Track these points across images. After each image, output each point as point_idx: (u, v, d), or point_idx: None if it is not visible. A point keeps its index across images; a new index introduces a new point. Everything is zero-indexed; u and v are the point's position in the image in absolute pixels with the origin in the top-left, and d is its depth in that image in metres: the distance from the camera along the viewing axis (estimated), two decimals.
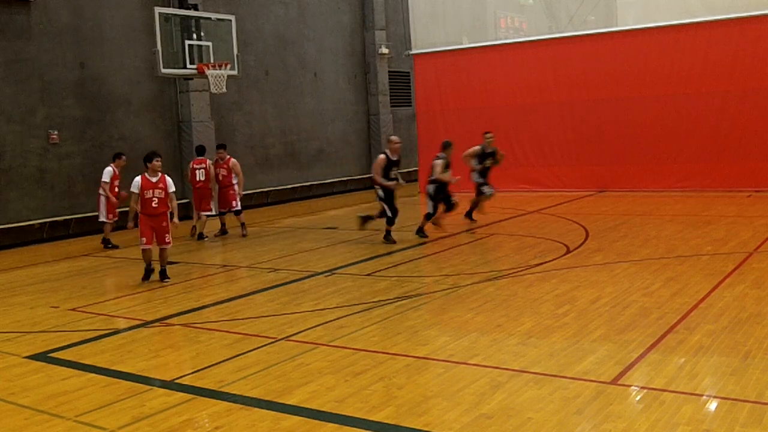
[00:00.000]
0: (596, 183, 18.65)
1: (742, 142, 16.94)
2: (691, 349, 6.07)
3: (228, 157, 14.42)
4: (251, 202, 19.65)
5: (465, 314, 7.63)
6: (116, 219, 13.64)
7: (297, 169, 21.18)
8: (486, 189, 14.02)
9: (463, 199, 13.84)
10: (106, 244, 13.68)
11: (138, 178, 10.05)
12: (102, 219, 13.56)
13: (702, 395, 5.10)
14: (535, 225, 13.66)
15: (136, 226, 10.24)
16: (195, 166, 14.22)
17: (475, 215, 14.30)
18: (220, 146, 14.63)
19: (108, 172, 13.39)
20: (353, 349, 6.61)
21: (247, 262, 11.52)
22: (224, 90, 15.79)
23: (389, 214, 12.57)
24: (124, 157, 13.68)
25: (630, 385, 5.39)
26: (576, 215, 14.42)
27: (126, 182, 13.42)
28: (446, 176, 12.67)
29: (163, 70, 15.07)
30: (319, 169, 21.94)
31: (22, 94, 14.78)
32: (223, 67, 15.70)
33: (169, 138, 17.72)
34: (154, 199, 10.11)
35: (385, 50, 23.63)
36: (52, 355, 6.99)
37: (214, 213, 14.57)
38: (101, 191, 13.42)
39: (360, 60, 23.68)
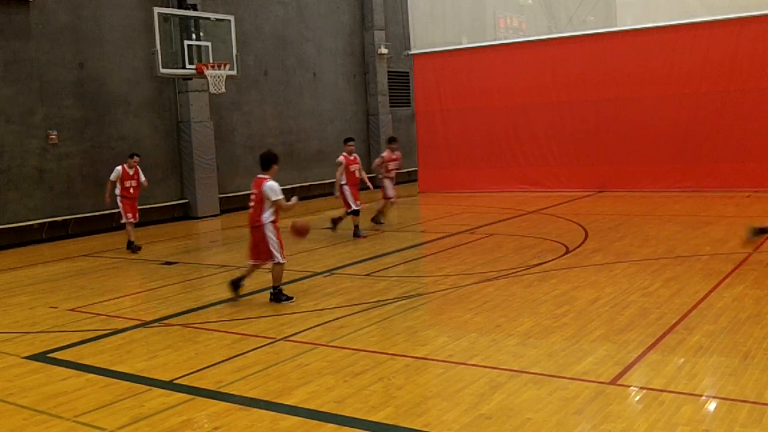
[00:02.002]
0: (595, 183, 18.66)
1: (742, 142, 16.94)
2: (690, 350, 6.07)
3: None
4: (250, 202, 19.64)
5: (464, 314, 7.63)
6: (135, 220, 13.17)
7: (296, 170, 21.17)
8: None
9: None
10: (130, 246, 13.07)
11: (275, 183, 8.62)
12: (123, 220, 13.08)
13: (701, 395, 5.10)
14: (534, 225, 13.66)
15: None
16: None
17: None
18: (394, 139, 14.35)
19: (116, 171, 12.90)
20: (352, 349, 6.61)
21: (246, 262, 11.49)
22: (223, 90, 15.79)
23: None
24: (136, 158, 13.17)
25: (629, 386, 5.38)
26: (575, 215, 14.42)
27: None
28: None
29: (162, 70, 15.07)
30: (318, 169, 21.93)
31: (21, 95, 14.77)
32: (222, 67, 15.70)
33: (168, 138, 17.72)
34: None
35: (384, 50, 23.63)
36: (51, 355, 6.98)
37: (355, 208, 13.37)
38: (116, 191, 13.00)
39: (359, 60, 23.69)
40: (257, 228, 8.52)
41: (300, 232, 9.04)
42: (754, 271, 8.81)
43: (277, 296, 8.59)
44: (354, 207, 13.19)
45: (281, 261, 8.53)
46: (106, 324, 8.13)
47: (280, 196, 8.46)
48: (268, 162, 8.66)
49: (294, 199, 8.70)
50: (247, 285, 9.79)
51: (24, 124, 14.80)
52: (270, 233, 8.49)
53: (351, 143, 13.49)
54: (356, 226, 13.33)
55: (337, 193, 13.25)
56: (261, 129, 20.10)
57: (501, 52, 20.27)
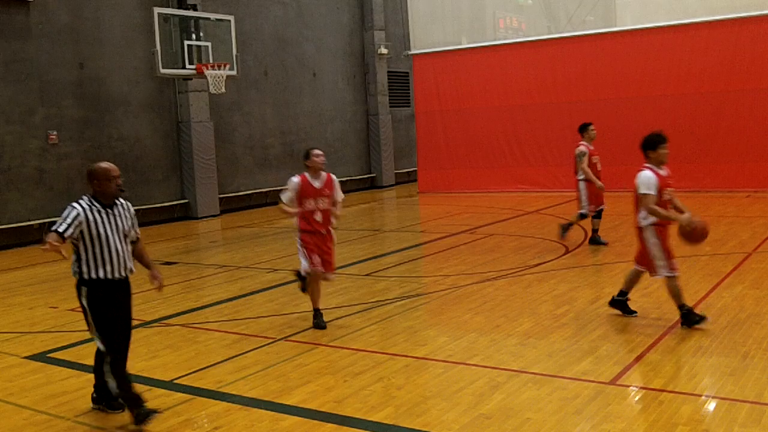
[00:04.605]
0: None
1: (741, 142, 16.95)
2: (690, 350, 6.07)
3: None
4: (250, 202, 19.67)
5: (464, 314, 7.64)
6: (327, 271, 7.48)
7: (296, 170, 20.94)
8: None
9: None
10: (317, 316, 7.45)
11: (651, 174, 7.12)
12: (305, 268, 7.37)
13: (701, 395, 5.11)
14: (534, 225, 13.66)
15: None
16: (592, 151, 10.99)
17: None
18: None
19: (292, 184, 7.71)
20: (352, 349, 6.62)
21: (246, 263, 11.52)
22: (223, 90, 15.80)
23: None
24: (316, 151, 7.72)
25: (629, 386, 5.39)
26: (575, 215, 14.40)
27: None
28: None
29: (162, 71, 15.08)
30: None
31: (21, 95, 14.77)
32: (222, 67, 15.71)
33: (168, 138, 17.72)
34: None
35: (384, 50, 23.63)
36: (51, 355, 6.99)
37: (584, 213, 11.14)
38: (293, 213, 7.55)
39: (359, 60, 23.69)
40: (637, 231, 6.99)
41: (692, 237, 6.64)
42: (753, 271, 8.82)
43: (687, 317, 6.60)
44: (585, 210, 10.97)
45: (668, 274, 6.68)
46: None
47: (647, 191, 6.82)
48: (643, 146, 7.19)
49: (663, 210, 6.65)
50: (247, 285, 9.80)
51: (24, 124, 14.80)
52: (651, 238, 6.77)
53: (593, 128, 11.06)
54: (595, 230, 11.05)
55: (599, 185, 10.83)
56: (261, 129, 20.10)
57: (501, 52, 20.28)
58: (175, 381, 6.04)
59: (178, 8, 16.60)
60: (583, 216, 11.08)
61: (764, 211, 14.05)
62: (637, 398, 5.16)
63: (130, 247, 5.22)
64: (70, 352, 7.07)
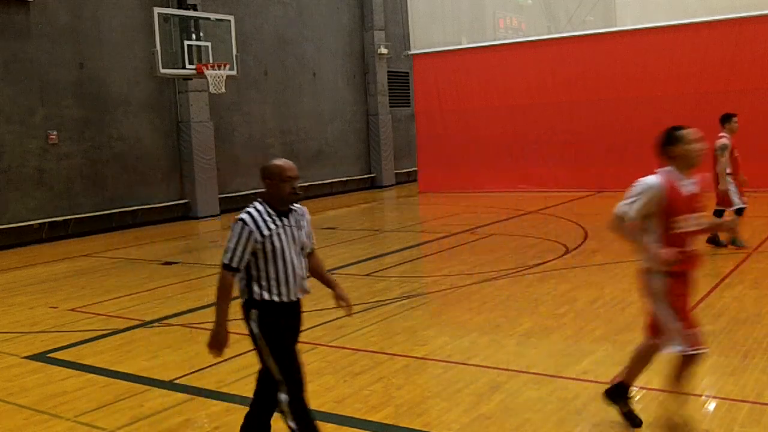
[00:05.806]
0: (595, 183, 18.66)
1: (741, 142, 16.87)
2: None
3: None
4: (250, 202, 19.66)
5: (464, 314, 7.63)
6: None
7: (297, 170, 21.15)
8: None
9: None
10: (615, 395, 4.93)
11: None
12: (683, 346, 4.35)
13: (701, 395, 5.10)
14: (534, 225, 13.66)
15: None
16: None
17: None
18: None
19: (654, 186, 4.78)
20: (352, 349, 6.61)
21: None
22: (223, 90, 15.80)
23: None
24: (690, 132, 4.75)
25: None
26: (575, 215, 14.42)
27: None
28: None
29: (162, 71, 15.08)
30: (318, 169, 21.94)
31: (21, 95, 14.77)
32: (222, 67, 15.71)
33: (168, 138, 17.71)
34: None
35: (384, 50, 23.63)
36: (51, 355, 6.98)
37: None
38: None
39: (359, 60, 23.69)
40: None
41: None
42: (753, 271, 8.82)
43: None
44: (741, 204, 10.25)
45: None
46: (106, 324, 8.13)
47: None
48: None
49: None
50: None
51: (24, 124, 14.80)
52: None
53: (736, 119, 10.19)
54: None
55: (724, 187, 10.09)
56: (261, 129, 20.10)
57: (501, 52, 20.28)
58: (175, 381, 6.04)
59: (178, 8, 16.60)
60: (740, 211, 10.22)
61: (764, 210, 14.05)
62: (637, 398, 5.15)
63: (306, 263, 4.37)
64: (70, 352, 7.07)
